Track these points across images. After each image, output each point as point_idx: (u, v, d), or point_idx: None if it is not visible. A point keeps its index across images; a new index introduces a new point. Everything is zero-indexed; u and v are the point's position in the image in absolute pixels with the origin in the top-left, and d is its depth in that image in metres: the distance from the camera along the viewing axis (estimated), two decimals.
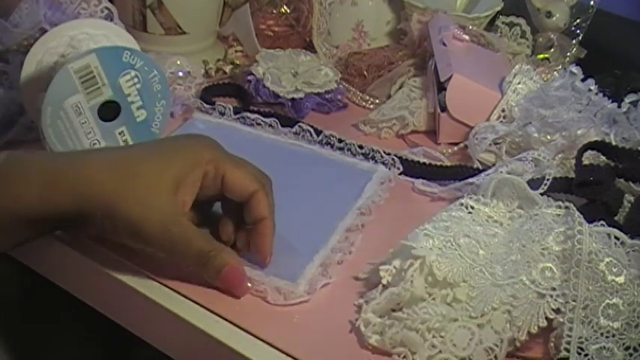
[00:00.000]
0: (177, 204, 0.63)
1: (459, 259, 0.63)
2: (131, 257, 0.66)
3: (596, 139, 0.78)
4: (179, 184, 0.63)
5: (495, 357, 0.59)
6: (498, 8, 1.00)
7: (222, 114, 0.87)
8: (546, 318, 0.60)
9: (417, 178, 0.80)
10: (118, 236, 0.63)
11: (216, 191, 0.66)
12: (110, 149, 0.69)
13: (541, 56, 0.99)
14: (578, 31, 0.99)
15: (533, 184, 0.70)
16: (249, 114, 0.86)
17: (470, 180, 0.75)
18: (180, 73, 0.91)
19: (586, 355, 0.58)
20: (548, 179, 0.71)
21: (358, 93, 0.94)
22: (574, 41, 0.99)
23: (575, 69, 0.85)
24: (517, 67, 0.87)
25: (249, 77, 0.91)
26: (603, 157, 0.77)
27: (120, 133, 0.76)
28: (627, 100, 0.83)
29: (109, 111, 0.75)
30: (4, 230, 0.63)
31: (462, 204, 0.68)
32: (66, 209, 0.62)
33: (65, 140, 0.74)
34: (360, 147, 0.82)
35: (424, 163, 0.82)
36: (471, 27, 0.95)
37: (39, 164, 0.63)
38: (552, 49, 0.99)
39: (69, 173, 0.62)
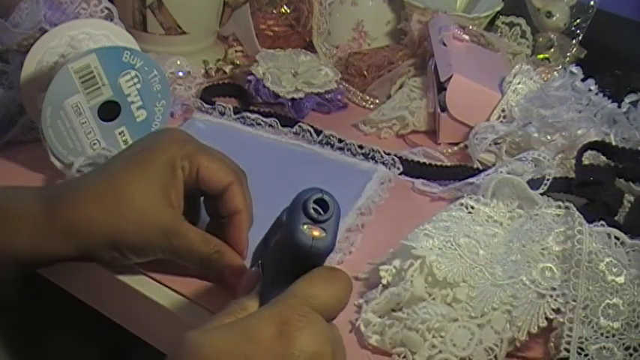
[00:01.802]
0: (174, 212, 0.63)
1: (459, 259, 0.63)
2: None
3: (596, 139, 0.78)
4: (167, 192, 0.63)
5: (495, 357, 0.59)
6: (498, 8, 1.00)
7: (222, 114, 0.87)
8: (546, 318, 0.60)
9: (417, 178, 0.80)
10: (127, 261, 0.64)
11: (195, 185, 0.65)
12: (92, 176, 0.67)
13: (541, 56, 0.99)
14: (578, 31, 0.99)
15: (533, 184, 0.70)
16: (249, 114, 0.86)
17: (470, 180, 0.75)
18: (180, 73, 0.91)
19: (586, 355, 0.58)
20: (548, 179, 0.71)
21: (358, 93, 0.94)
22: (574, 41, 0.99)
23: (575, 69, 0.85)
24: (517, 67, 0.87)
25: (249, 77, 0.91)
26: (603, 157, 0.77)
27: (120, 133, 0.76)
28: (627, 100, 0.83)
29: (109, 111, 0.75)
30: None
31: (462, 204, 0.69)
32: (63, 253, 0.63)
33: (65, 140, 0.74)
34: (360, 147, 0.82)
35: (424, 163, 0.82)
36: (470, 27, 0.95)
37: (29, 211, 0.63)
38: (552, 49, 0.99)
39: (62, 218, 0.62)
